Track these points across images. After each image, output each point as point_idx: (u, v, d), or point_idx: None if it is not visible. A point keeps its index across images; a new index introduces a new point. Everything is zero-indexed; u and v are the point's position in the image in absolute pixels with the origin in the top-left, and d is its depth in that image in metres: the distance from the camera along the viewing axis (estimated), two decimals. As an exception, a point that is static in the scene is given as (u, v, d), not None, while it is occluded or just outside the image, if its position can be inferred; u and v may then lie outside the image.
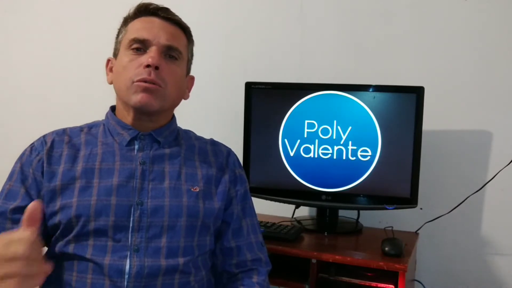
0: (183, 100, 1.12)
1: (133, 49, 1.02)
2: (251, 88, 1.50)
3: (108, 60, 1.10)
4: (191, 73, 1.15)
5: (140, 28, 1.03)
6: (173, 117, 1.13)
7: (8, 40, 2.16)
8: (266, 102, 1.49)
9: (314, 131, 1.45)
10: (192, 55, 1.14)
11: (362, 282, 1.28)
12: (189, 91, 1.15)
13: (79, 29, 2.03)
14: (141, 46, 1.02)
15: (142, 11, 1.06)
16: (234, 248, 1.08)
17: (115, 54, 1.08)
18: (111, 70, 1.09)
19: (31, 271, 0.72)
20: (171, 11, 1.08)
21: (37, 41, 2.11)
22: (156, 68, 0.99)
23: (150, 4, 1.06)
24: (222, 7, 1.81)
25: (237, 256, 1.08)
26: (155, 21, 1.05)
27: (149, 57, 1.00)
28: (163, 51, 1.02)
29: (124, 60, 1.02)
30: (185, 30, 1.10)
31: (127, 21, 1.08)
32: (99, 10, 1.98)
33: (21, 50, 2.14)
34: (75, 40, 2.03)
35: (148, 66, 0.99)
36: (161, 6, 1.07)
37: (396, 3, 1.59)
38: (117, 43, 1.08)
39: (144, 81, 0.99)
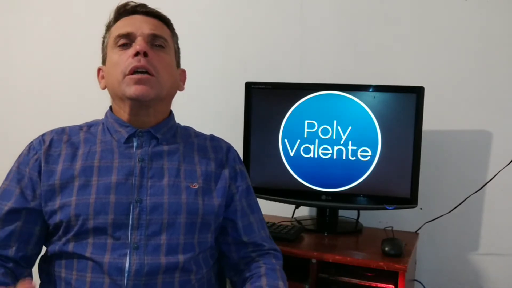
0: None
1: (119, 46, 1.03)
2: (251, 88, 1.50)
3: (99, 69, 1.11)
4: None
5: (123, 25, 1.05)
6: (171, 113, 1.13)
7: (8, 40, 2.16)
8: (266, 102, 1.49)
9: (314, 131, 1.45)
10: (178, 48, 1.14)
11: (362, 282, 1.28)
12: (183, 84, 1.15)
13: (79, 28, 2.03)
14: (126, 41, 1.03)
15: (122, 12, 1.08)
16: (248, 242, 1.08)
17: (104, 62, 1.09)
18: (103, 77, 1.09)
19: None
20: (149, 6, 1.09)
21: (37, 41, 2.11)
22: (145, 55, 1.00)
23: (127, 4, 1.08)
24: (222, 7, 1.81)
25: (253, 246, 1.09)
26: (136, 17, 1.06)
27: (136, 45, 1.00)
28: (149, 40, 1.03)
29: (113, 58, 1.03)
30: (167, 22, 1.11)
31: (109, 26, 1.09)
32: (99, 9, 1.98)
33: (21, 50, 2.14)
34: (75, 39, 2.03)
35: (136, 54, 0.99)
36: (138, 3, 1.08)
37: (396, 3, 1.59)
38: (104, 49, 1.09)
39: (136, 70, 0.99)
